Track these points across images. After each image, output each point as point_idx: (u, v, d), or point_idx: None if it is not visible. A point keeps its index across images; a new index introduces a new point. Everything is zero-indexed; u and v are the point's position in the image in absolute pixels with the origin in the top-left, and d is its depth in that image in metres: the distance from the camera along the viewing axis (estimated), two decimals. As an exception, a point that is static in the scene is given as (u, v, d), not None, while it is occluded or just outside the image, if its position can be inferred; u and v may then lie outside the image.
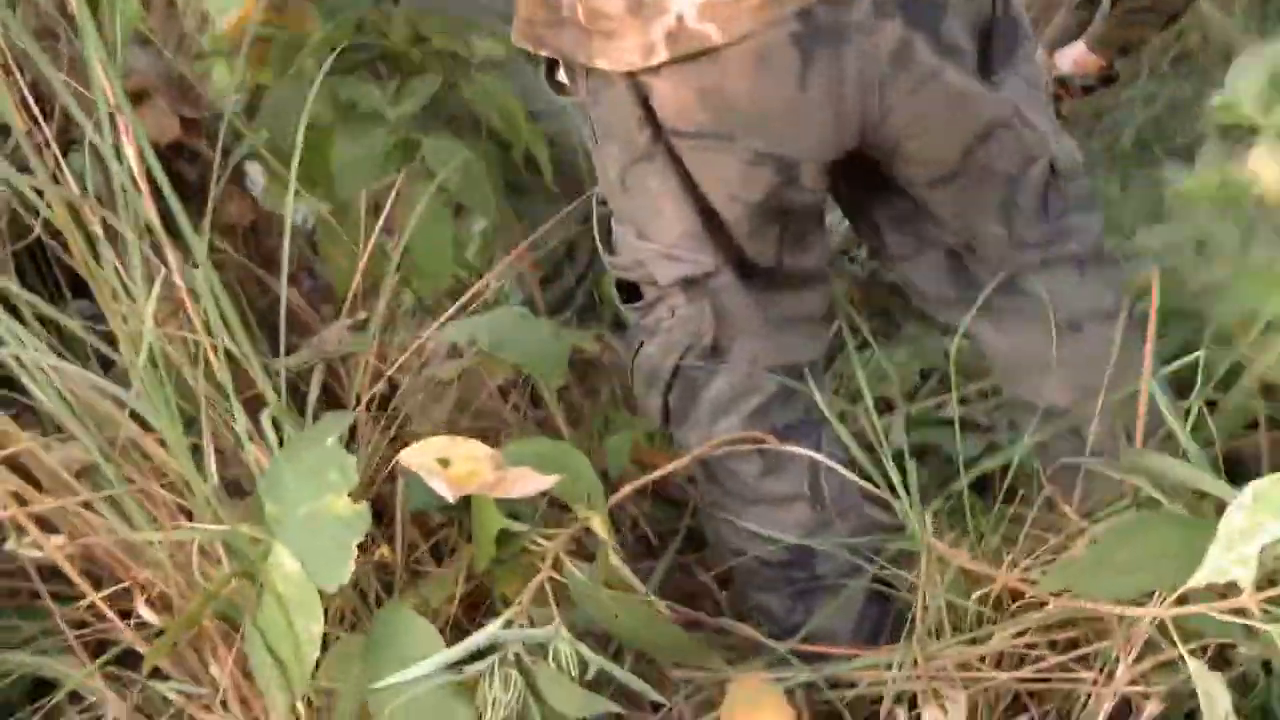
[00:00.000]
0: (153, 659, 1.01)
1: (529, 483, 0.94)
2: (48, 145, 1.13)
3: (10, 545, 1.10)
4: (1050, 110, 1.20)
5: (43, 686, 1.24)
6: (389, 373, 1.11)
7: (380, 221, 1.28)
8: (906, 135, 1.07)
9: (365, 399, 1.07)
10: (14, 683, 1.21)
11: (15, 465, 1.07)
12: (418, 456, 0.90)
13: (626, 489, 1.09)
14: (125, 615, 1.16)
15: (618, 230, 1.18)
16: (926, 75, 1.02)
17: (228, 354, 1.05)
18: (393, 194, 1.33)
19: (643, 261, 1.15)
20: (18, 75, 1.14)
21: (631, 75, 1.01)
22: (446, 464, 0.90)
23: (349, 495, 0.87)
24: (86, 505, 1.04)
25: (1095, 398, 1.13)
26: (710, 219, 1.11)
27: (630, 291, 1.19)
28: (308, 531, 0.87)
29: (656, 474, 1.14)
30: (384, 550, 1.03)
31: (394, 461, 0.95)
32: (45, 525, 1.11)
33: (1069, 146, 1.19)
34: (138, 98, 1.24)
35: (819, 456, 1.17)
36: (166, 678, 1.16)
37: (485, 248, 1.61)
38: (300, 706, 0.93)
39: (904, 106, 1.03)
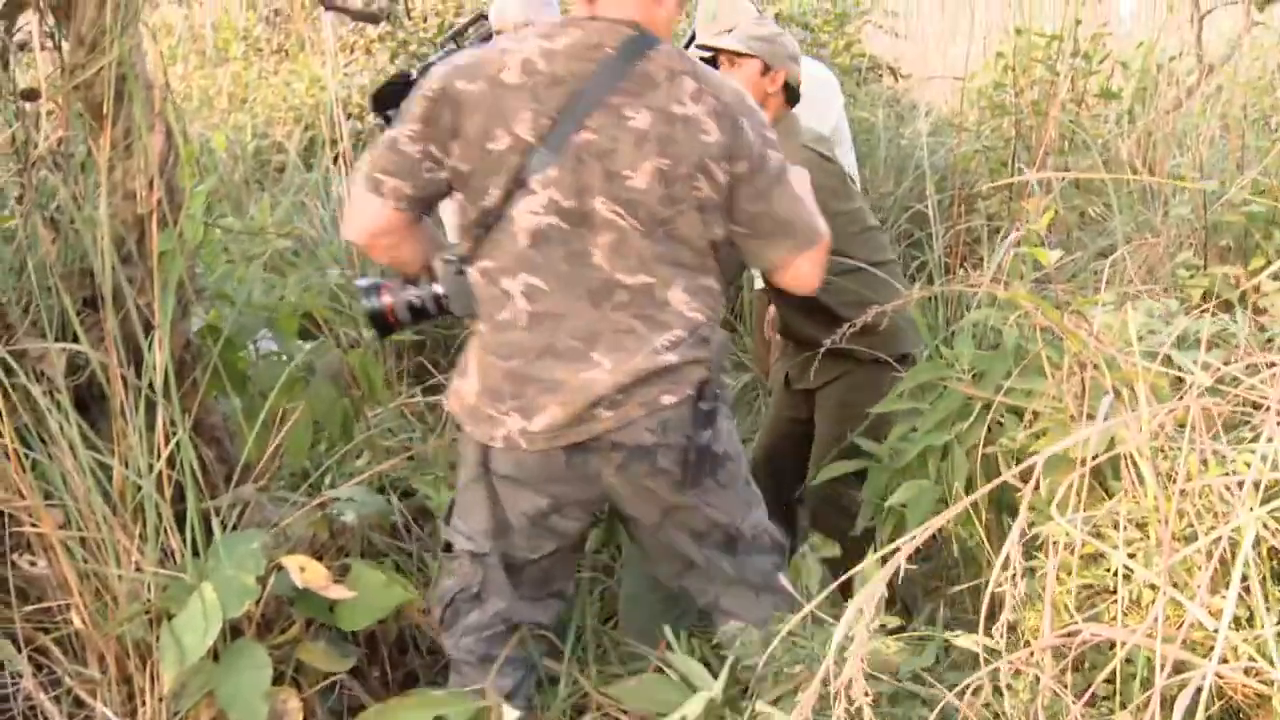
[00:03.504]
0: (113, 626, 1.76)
1: (336, 592, 1.77)
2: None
3: (19, 558, 1.85)
4: (744, 496, 1.97)
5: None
6: (283, 523, 1.95)
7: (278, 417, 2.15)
8: (625, 505, 1.91)
9: (273, 529, 1.91)
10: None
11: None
12: (291, 561, 1.73)
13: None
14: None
15: (456, 511, 1.95)
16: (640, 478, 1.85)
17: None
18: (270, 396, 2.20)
19: (456, 531, 1.93)
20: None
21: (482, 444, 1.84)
22: (304, 569, 1.73)
23: (255, 578, 1.69)
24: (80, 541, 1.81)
25: None
26: (501, 525, 1.88)
27: (448, 545, 1.96)
28: (226, 581, 1.67)
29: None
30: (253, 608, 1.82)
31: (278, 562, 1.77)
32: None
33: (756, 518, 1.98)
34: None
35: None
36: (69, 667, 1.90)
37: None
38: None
39: (624, 491, 1.87)
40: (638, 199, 1.76)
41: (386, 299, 1.87)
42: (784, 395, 2.86)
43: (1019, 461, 2.09)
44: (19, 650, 1.88)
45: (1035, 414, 1.99)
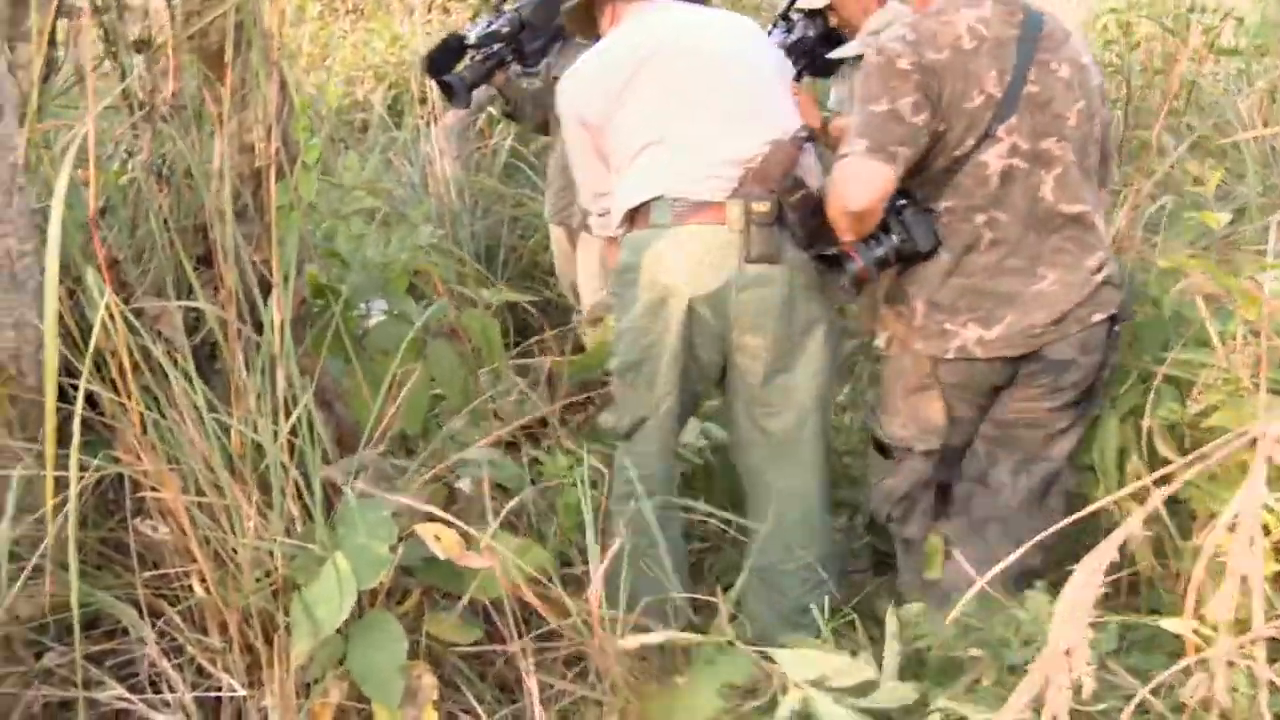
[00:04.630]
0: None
1: (475, 561, 1.69)
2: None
3: (141, 523, 1.79)
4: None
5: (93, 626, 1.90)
6: (414, 487, 1.88)
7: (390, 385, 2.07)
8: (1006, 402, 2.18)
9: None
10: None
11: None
12: (425, 529, 1.65)
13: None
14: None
15: (885, 418, 2.25)
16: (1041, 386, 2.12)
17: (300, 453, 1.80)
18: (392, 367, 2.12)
19: (905, 438, 2.23)
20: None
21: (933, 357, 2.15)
22: (439, 538, 1.65)
23: (389, 546, 1.61)
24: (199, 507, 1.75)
25: None
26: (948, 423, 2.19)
27: (882, 448, 2.28)
28: (359, 551, 1.60)
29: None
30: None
31: (411, 530, 1.69)
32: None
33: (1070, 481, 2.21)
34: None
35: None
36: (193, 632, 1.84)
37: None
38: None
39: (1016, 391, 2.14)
40: (1072, 136, 2.09)
41: (859, 262, 2.09)
42: None
43: (1178, 434, 1.98)
44: (142, 617, 1.82)
45: (1205, 386, 1.86)
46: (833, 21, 2.91)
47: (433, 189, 4.13)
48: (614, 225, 2.37)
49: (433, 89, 4.27)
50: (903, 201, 2.09)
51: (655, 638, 1.70)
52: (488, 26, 3.38)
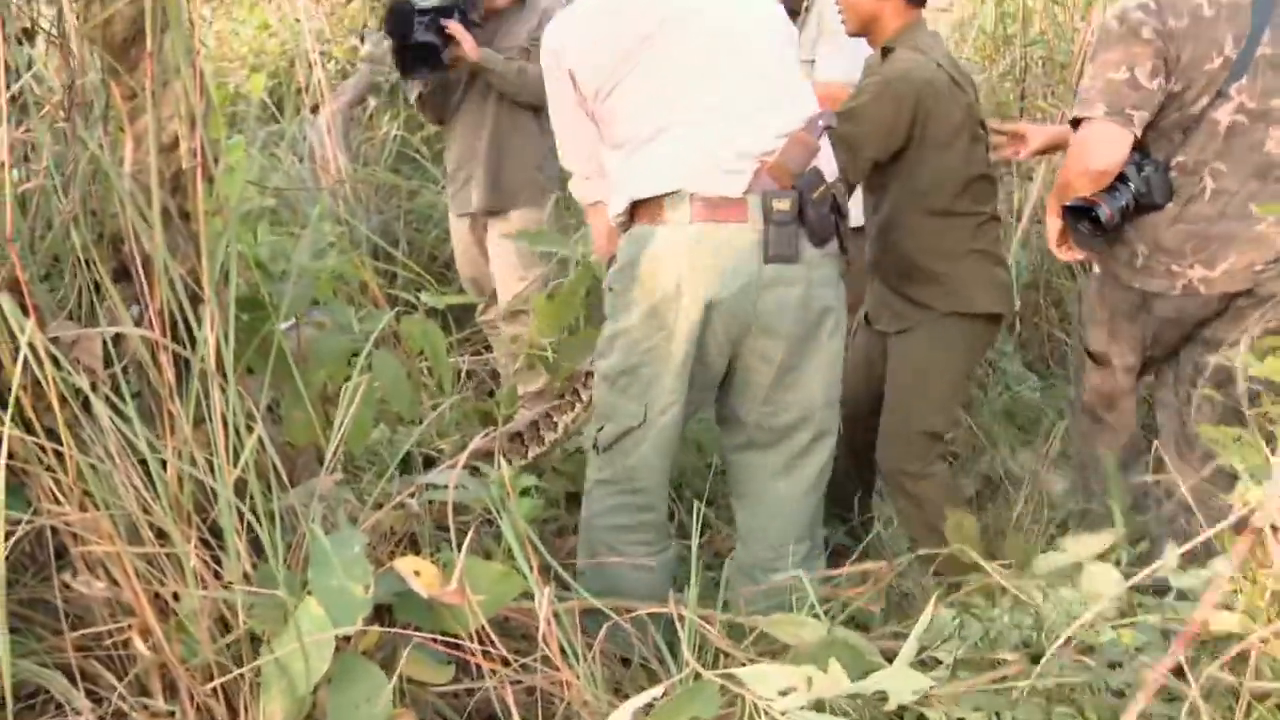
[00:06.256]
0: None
1: (457, 597, 1.54)
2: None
3: (70, 579, 1.58)
4: None
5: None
6: (377, 514, 1.71)
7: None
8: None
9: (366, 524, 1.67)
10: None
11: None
12: (404, 564, 1.50)
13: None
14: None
15: (1092, 332, 2.54)
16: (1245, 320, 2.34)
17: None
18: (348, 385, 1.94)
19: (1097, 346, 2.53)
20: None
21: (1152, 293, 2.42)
22: (418, 573, 1.50)
23: (363, 586, 1.44)
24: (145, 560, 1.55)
25: None
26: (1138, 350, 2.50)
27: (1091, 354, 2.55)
28: (333, 595, 1.43)
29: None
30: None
31: (389, 565, 1.53)
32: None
33: None
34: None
35: None
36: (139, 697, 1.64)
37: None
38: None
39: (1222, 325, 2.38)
40: None
41: (1106, 209, 2.30)
42: (863, 332, 2.76)
43: None
44: (74, 683, 1.62)
45: None
46: None
47: (325, 184, 3.90)
48: (612, 208, 2.19)
49: (323, 80, 4.02)
50: (1144, 158, 2.32)
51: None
52: None
